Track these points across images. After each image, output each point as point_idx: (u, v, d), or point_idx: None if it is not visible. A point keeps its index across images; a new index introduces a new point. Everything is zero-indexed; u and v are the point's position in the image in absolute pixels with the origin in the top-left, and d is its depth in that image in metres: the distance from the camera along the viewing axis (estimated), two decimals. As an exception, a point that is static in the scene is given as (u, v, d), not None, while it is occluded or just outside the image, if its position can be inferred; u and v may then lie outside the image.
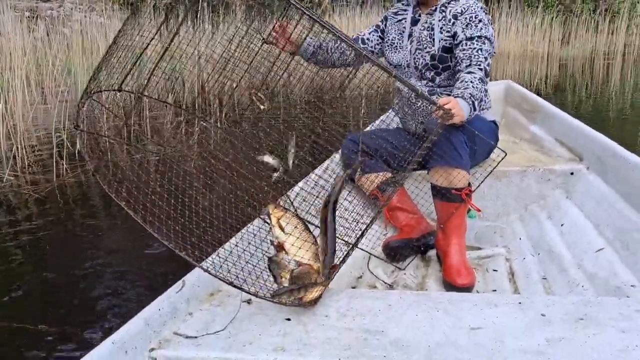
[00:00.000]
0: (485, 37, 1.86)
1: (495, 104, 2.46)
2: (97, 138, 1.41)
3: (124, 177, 1.34)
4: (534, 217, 2.11)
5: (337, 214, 1.37)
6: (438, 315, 1.23)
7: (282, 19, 1.72)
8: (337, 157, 2.25)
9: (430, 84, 2.00)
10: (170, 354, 1.13)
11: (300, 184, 1.86)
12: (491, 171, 1.84)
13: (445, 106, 1.47)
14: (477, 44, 1.85)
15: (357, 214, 1.71)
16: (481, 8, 1.91)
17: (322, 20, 1.25)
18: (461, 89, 1.72)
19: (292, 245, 1.33)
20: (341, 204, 1.82)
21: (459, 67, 1.86)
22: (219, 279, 1.24)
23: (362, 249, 1.77)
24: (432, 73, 1.98)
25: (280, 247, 1.34)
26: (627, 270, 1.59)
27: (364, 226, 1.46)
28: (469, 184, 1.79)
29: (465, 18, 1.88)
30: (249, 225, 1.56)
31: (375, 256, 1.92)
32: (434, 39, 1.95)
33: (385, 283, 1.83)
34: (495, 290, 1.76)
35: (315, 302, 1.28)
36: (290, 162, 1.45)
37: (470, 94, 1.70)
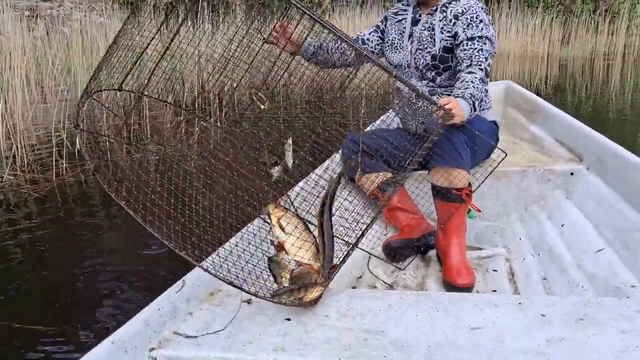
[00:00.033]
0: (486, 38, 1.86)
1: (496, 105, 2.46)
2: (97, 137, 1.41)
3: (124, 176, 1.34)
4: (534, 218, 2.11)
5: (337, 214, 1.37)
6: (438, 315, 1.23)
7: (283, 18, 1.72)
8: (337, 157, 2.25)
9: (430, 84, 2.00)
10: (170, 353, 1.13)
11: (301, 183, 1.86)
12: (491, 171, 1.84)
13: (446, 106, 1.47)
14: (478, 44, 1.85)
15: (358, 214, 1.71)
16: (482, 8, 1.91)
17: (323, 20, 1.25)
18: (462, 89, 1.73)
19: (293, 245, 1.33)
20: (341, 204, 1.82)
21: (459, 67, 1.87)
22: (219, 278, 1.24)
23: (362, 249, 1.77)
24: (433, 73, 1.98)
25: (280, 247, 1.34)
26: (627, 270, 1.59)
27: (364, 226, 1.46)
28: (470, 184, 1.79)
29: (467, 18, 1.88)
30: (249, 225, 1.56)
31: (375, 256, 1.92)
32: (434, 39, 1.95)
33: (386, 283, 1.83)
34: (495, 291, 1.76)
35: (315, 302, 1.28)
36: (290, 162, 1.45)
37: (470, 94, 1.70)
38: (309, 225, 1.43)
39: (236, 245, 1.45)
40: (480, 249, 2.04)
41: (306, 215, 1.59)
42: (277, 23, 1.74)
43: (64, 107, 4.85)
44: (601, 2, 13.76)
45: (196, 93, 5.33)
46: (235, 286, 1.24)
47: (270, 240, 1.38)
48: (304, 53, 2.02)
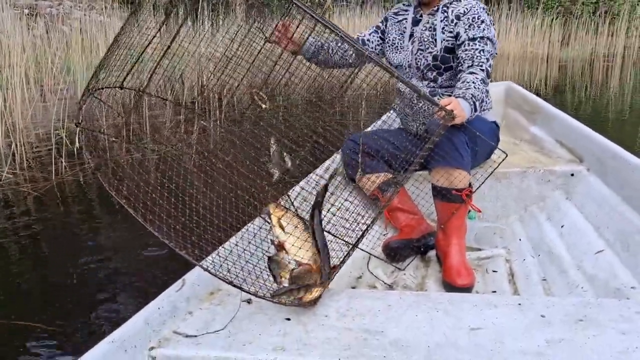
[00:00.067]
0: (488, 38, 1.86)
1: (496, 105, 2.46)
2: (97, 136, 1.41)
3: (124, 175, 1.34)
4: (534, 218, 2.11)
5: (338, 214, 1.37)
6: (438, 315, 1.23)
7: (285, 18, 1.72)
8: (338, 157, 2.24)
9: (432, 84, 2.00)
10: (170, 352, 1.13)
11: (301, 183, 1.86)
12: (492, 172, 1.84)
13: (447, 107, 1.47)
14: (479, 45, 1.85)
15: (358, 214, 1.71)
16: (483, 9, 1.91)
17: (325, 20, 1.25)
18: (463, 89, 1.73)
19: (293, 245, 1.33)
20: (342, 204, 1.82)
21: (460, 68, 1.87)
22: (219, 278, 1.24)
23: (362, 249, 1.77)
24: (434, 73, 1.98)
25: (280, 247, 1.34)
26: (627, 271, 1.59)
27: (365, 227, 1.45)
28: (470, 185, 1.79)
29: (468, 18, 1.88)
30: (249, 224, 1.56)
31: (375, 256, 1.92)
32: (436, 40, 1.95)
33: (385, 283, 1.83)
34: (495, 291, 1.76)
35: (315, 302, 1.28)
36: (288, 162, 1.45)
37: (471, 94, 1.70)
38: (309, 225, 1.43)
39: (236, 245, 1.45)
40: (480, 249, 2.04)
41: (306, 215, 1.58)
42: (279, 22, 1.74)
43: (63, 106, 4.85)
44: (601, 3, 13.78)
45: (196, 93, 5.33)
46: (235, 286, 1.24)
47: (271, 240, 1.38)
48: (305, 53, 2.02)
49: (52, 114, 4.45)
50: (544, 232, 1.99)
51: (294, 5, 1.20)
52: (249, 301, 1.31)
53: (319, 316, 1.25)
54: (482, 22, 1.88)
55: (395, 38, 2.08)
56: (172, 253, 1.21)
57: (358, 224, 1.58)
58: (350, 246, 1.42)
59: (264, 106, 1.37)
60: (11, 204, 2.99)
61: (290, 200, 1.63)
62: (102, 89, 1.29)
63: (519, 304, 1.26)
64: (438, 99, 1.93)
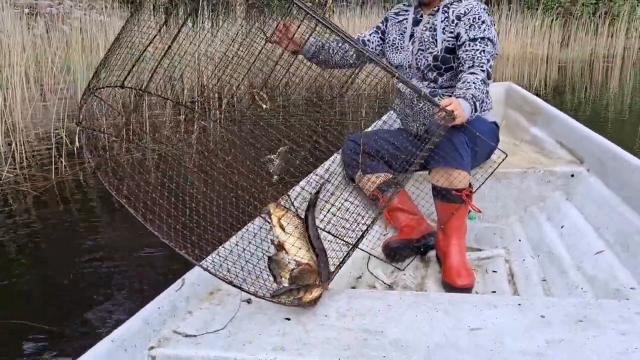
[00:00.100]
0: (488, 39, 1.86)
1: (496, 106, 2.46)
2: (98, 135, 1.41)
3: (124, 174, 1.34)
4: (534, 219, 2.11)
5: (338, 214, 1.37)
6: (438, 315, 1.23)
7: (286, 18, 1.72)
8: (338, 157, 2.24)
9: (432, 84, 2.00)
10: (170, 352, 1.13)
11: (301, 183, 1.86)
12: (492, 172, 1.84)
13: (447, 107, 1.47)
14: (480, 46, 1.85)
15: (358, 214, 1.71)
16: (484, 9, 1.91)
17: (325, 20, 1.25)
18: (463, 89, 1.73)
19: (293, 245, 1.33)
20: (342, 204, 1.82)
21: (461, 68, 1.87)
22: (219, 278, 1.24)
23: (362, 249, 1.77)
24: (435, 74, 1.98)
25: (280, 247, 1.34)
26: (627, 272, 1.59)
27: (365, 227, 1.45)
28: (470, 185, 1.79)
29: (469, 19, 1.88)
30: (249, 224, 1.56)
31: (375, 256, 1.92)
32: (436, 40, 1.95)
33: (385, 283, 1.83)
34: (494, 292, 1.76)
35: (314, 302, 1.28)
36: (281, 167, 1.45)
37: (472, 94, 1.70)
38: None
39: (236, 245, 1.45)
40: (480, 250, 2.04)
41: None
42: (280, 22, 1.74)
43: (63, 105, 4.85)
44: (601, 4, 13.79)
45: (196, 92, 5.33)
46: (235, 285, 1.24)
47: (271, 240, 1.38)
48: (306, 53, 2.02)
49: (52, 113, 4.45)
50: (544, 233, 2.00)
51: (295, 6, 1.20)
52: (248, 301, 1.31)
53: (318, 316, 1.25)
54: (483, 22, 1.88)
55: (396, 38, 2.08)
56: (172, 253, 1.21)
57: (358, 224, 1.58)
58: (350, 246, 1.42)
59: (264, 106, 1.37)
60: (11, 203, 2.98)
61: (291, 200, 1.63)
62: (103, 88, 1.30)
63: (519, 305, 1.26)
64: (438, 99, 1.93)
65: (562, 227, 1.97)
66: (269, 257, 1.34)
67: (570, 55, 12.08)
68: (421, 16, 2.02)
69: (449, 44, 1.93)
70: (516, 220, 2.18)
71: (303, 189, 1.81)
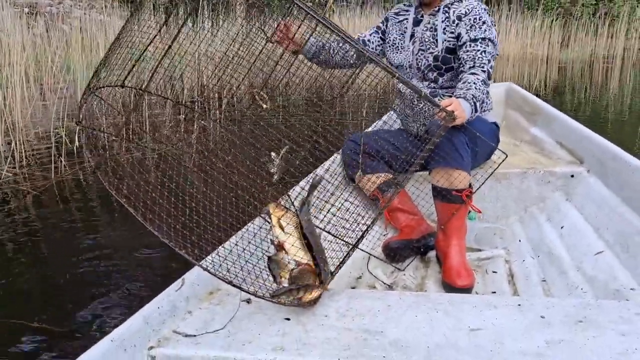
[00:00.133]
0: (489, 39, 1.86)
1: (496, 106, 2.46)
2: (98, 135, 1.41)
3: (124, 174, 1.33)
4: (534, 219, 2.11)
5: (338, 214, 1.37)
6: (437, 316, 1.23)
7: (286, 18, 1.72)
8: (338, 157, 2.24)
9: (432, 85, 2.00)
10: (170, 352, 1.13)
11: (301, 183, 1.86)
12: (492, 173, 1.84)
13: (448, 107, 1.47)
14: (480, 46, 1.85)
15: (358, 214, 1.71)
16: (485, 10, 1.91)
17: (326, 20, 1.25)
18: (464, 89, 1.73)
19: (292, 245, 1.33)
20: (342, 204, 1.82)
21: (462, 69, 1.87)
22: (219, 277, 1.24)
23: (362, 250, 1.77)
24: (435, 74, 1.98)
25: (280, 247, 1.34)
26: (627, 273, 1.59)
27: (365, 227, 1.45)
28: (470, 185, 1.79)
29: (470, 19, 1.88)
30: (249, 224, 1.56)
31: (375, 257, 1.92)
32: (437, 40, 1.95)
33: (385, 284, 1.83)
34: (494, 292, 1.76)
35: (314, 302, 1.28)
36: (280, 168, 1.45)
37: (472, 95, 1.70)
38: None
39: (236, 245, 1.45)
40: (480, 250, 2.04)
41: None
42: (281, 22, 1.74)
43: (63, 105, 4.84)
44: (601, 5, 13.80)
45: (196, 92, 5.33)
46: (234, 285, 1.24)
47: (271, 239, 1.38)
48: (306, 53, 2.02)
49: (51, 112, 4.45)
50: (544, 233, 2.00)
51: (295, 6, 1.20)
52: (248, 301, 1.31)
53: (318, 316, 1.25)
54: (484, 23, 1.88)
55: (396, 38, 2.08)
56: (171, 252, 1.20)
57: (358, 224, 1.58)
58: (350, 246, 1.42)
59: (264, 106, 1.37)
60: (10, 202, 2.98)
61: (291, 200, 1.63)
62: (104, 87, 1.29)
63: (519, 305, 1.26)
64: (439, 99, 1.93)
65: (562, 227, 1.97)
66: (269, 257, 1.34)
67: (570, 56, 12.09)
68: (422, 16, 2.02)
69: (450, 44, 1.93)
70: (516, 221, 2.18)
71: (303, 189, 1.81)
